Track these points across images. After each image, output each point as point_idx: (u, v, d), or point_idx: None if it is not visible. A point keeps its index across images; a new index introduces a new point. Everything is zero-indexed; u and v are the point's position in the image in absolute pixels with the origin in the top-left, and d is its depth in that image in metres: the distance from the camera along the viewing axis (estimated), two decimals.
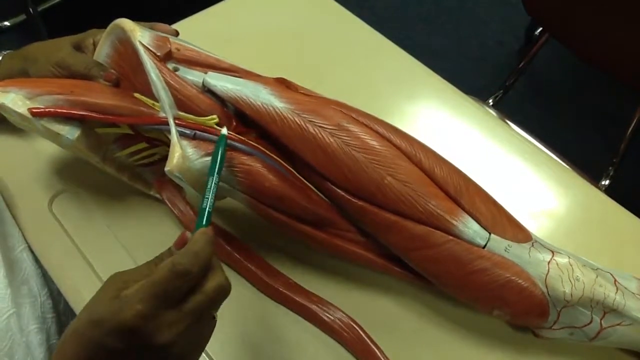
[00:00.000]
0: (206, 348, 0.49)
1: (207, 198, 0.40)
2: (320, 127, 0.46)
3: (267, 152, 0.47)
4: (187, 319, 0.35)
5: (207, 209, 0.39)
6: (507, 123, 1.02)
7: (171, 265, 0.35)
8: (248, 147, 0.46)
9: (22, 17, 1.67)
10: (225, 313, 0.51)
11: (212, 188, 0.40)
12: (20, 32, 1.69)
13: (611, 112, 1.50)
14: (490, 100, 1.12)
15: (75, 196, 0.58)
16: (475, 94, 0.95)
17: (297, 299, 0.51)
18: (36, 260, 0.55)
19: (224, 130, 0.45)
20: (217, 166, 0.42)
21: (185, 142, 0.46)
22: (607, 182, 1.02)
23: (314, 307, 0.51)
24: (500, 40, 1.68)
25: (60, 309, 0.55)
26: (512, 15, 1.72)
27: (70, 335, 0.35)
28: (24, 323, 0.50)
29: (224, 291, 0.37)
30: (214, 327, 0.39)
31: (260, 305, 0.52)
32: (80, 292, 0.52)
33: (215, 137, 0.46)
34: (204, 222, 0.39)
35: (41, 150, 0.61)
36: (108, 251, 0.55)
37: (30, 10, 1.51)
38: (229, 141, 0.46)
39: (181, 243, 0.37)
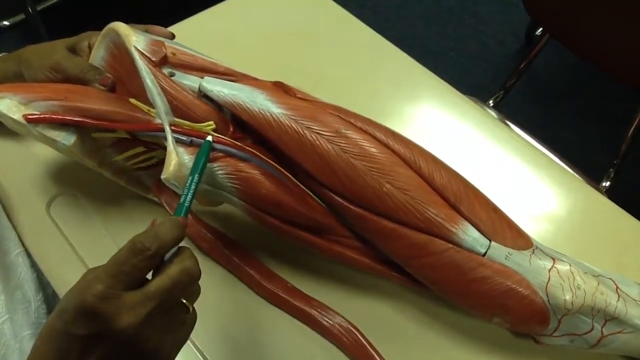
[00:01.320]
0: (203, 351, 0.49)
1: (185, 194, 0.41)
2: (317, 133, 0.45)
3: (265, 158, 0.46)
4: (149, 302, 0.34)
5: (184, 203, 0.40)
6: (507, 124, 1.01)
7: (130, 243, 0.35)
8: (245, 153, 0.46)
9: (22, 16, 1.67)
10: (223, 316, 0.51)
11: (190, 186, 0.41)
12: (19, 31, 1.69)
13: (612, 113, 1.49)
14: (491, 101, 1.11)
15: (73, 199, 0.58)
16: (475, 94, 0.95)
17: (296, 303, 0.51)
18: (31, 264, 0.54)
19: (210, 138, 0.45)
20: (198, 168, 0.43)
21: (181, 149, 0.46)
22: (607, 183, 1.02)
23: (313, 311, 0.50)
24: (501, 40, 1.67)
25: None
26: (512, 15, 1.72)
27: (41, 331, 0.35)
28: (17, 329, 0.49)
29: (188, 275, 0.36)
30: (193, 322, 0.38)
31: (259, 309, 0.52)
32: None
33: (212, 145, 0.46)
34: (179, 214, 0.40)
35: (38, 153, 0.60)
36: (106, 255, 0.53)
37: (29, 9, 1.51)
38: (225, 147, 0.46)
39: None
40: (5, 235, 0.54)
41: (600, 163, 1.04)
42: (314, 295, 0.52)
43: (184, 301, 0.37)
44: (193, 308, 0.38)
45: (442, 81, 0.70)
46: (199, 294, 0.39)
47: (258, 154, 0.46)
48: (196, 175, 0.42)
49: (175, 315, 0.37)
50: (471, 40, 1.68)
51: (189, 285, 0.37)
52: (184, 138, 0.46)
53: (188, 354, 0.49)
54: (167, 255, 0.37)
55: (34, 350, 0.35)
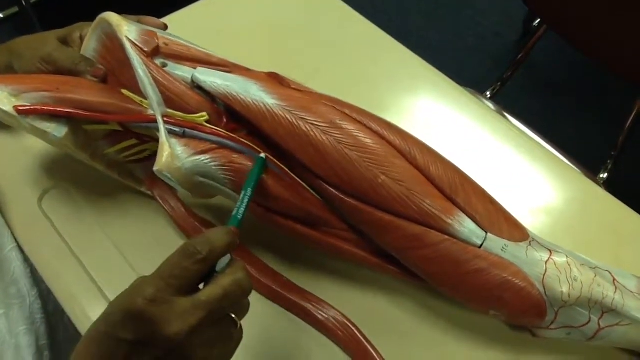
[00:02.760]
0: None
1: (238, 207, 0.41)
2: (312, 124, 0.45)
3: (259, 149, 0.46)
4: (199, 311, 0.34)
5: (236, 215, 0.40)
6: (504, 116, 1.01)
7: (182, 247, 0.35)
8: (238, 145, 0.46)
9: (15, 9, 1.66)
10: None
11: (243, 199, 0.41)
12: (12, 24, 1.68)
13: (610, 105, 1.49)
14: (488, 93, 1.11)
15: (66, 193, 0.58)
16: (473, 86, 0.94)
17: (291, 297, 0.51)
18: (25, 260, 0.54)
19: (263, 155, 0.45)
20: (252, 182, 0.43)
21: (174, 141, 0.45)
22: (605, 175, 1.02)
23: (308, 305, 0.50)
24: (498, 32, 1.67)
25: (49, 310, 0.55)
26: (510, 7, 1.71)
27: (85, 334, 0.34)
28: (12, 324, 0.49)
29: (240, 287, 0.36)
30: (239, 339, 0.37)
31: (253, 303, 0.51)
32: (71, 290, 0.52)
33: (205, 135, 0.46)
34: (231, 225, 0.40)
35: (30, 147, 0.60)
36: (98, 248, 0.54)
37: (23, 2, 1.50)
38: (218, 139, 0.45)
39: None
40: None
41: (598, 155, 1.04)
42: (309, 289, 0.51)
43: (233, 315, 0.36)
44: (240, 325, 0.37)
45: (439, 73, 0.70)
46: (248, 310, 0.38)
47: (252, 145, 0.46)
48: (249, 189, 0.42)
49: (223, 329, 0.36)
50: (469, 32, 1.67)
51: (240, 298, 0.37)
52: (176, 129, 0.46)
53: None
54: (219, 267, 0.37)
55: (75, 355, 0.34)
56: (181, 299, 0.34)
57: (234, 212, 0.41)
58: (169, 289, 0.33)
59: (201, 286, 0.36)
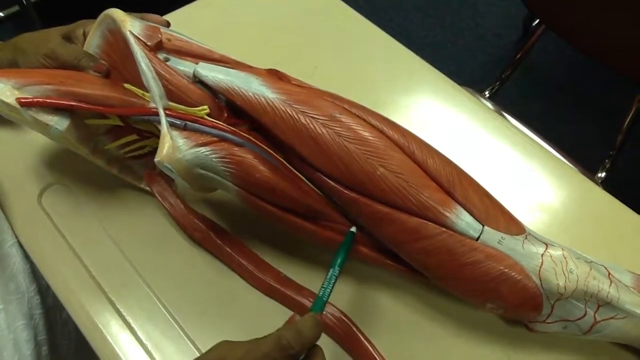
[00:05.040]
0: (194, 340, 0.49)
1: (324, 287, 0.42)
2: (312, 117, 0.45)
3: (259, 143, 0.46)
4: None
5: (322, 297, 0.41)
6: (503, 115, 1.01)
7: (277, 337, 0.36)
8: (239, 138, 0.46)
9: (16, 8, 1.66)
10: (215, 306, 0.51)
11: (330, 279, 0.42)
12: (13, 23, 1.69)
13: (608, 104, 1.49)
14: (487, 92, 1.11)
15: (65, 189, 0.58)
16: (472, 86, 0.94)
17: (287, 292, 0.51)
18: (25, 255, 0.54)
19: (354, 229, 0.46)
20: (339, 260, 0.44)
21: (175, 133, 0.46)
22: (603, 174, 1.02)
23: (304, 300, 0.51)
24: (498, 32, 1.67)
25: (48, 305, 0.55)
26: (509, 7, 1.72)
27: None
28: (11, 319, 0.50)
29: None
30: None
31: (250, 298, 0.52)
32: (69, 286, 0.52)
33: (206, 128, 0.46)
34: (317, 309, 0.41)
35: (30, 143, 0.60)
36: (97, 245, 0.55)
37: (24, 1, 1.50)
38: (218, 132, 0.46)
39: (290, 323, 0.39)
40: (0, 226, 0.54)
41: (596, 154, 1.04)
42: (306, 284, 0.52)
43: None
44: None
45: (438, 72, 0.70)
46: None
47: (252, 139, 0.46)
48: (337, 268, 0.43)
49: None
50: (468, 32, 1.68)
51: None
52: (178, 122, 0.46)
53: (180, 344, 0.49)
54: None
55: None
56: None
57: (320, 293, 0.41)
58: None
59: None
